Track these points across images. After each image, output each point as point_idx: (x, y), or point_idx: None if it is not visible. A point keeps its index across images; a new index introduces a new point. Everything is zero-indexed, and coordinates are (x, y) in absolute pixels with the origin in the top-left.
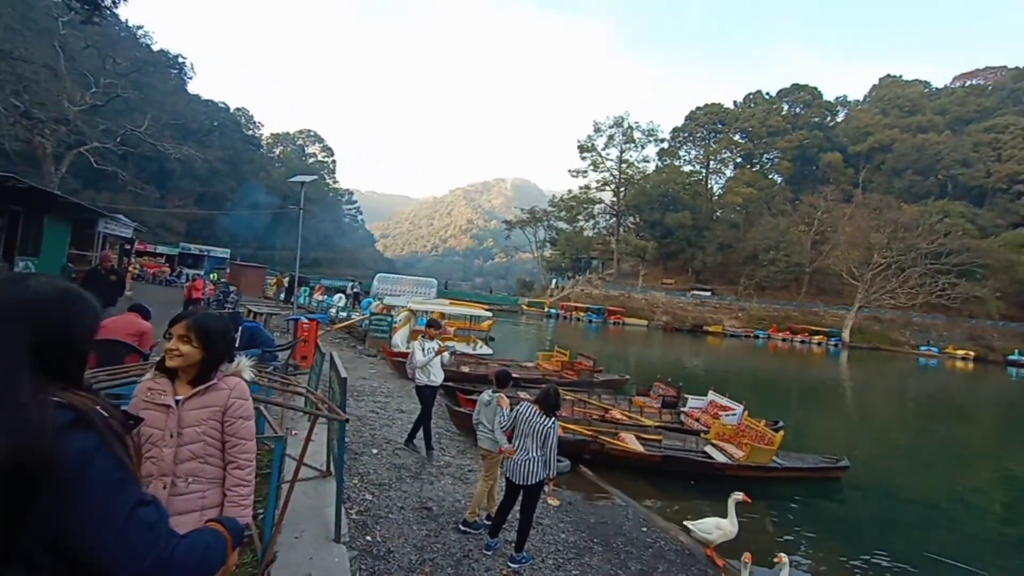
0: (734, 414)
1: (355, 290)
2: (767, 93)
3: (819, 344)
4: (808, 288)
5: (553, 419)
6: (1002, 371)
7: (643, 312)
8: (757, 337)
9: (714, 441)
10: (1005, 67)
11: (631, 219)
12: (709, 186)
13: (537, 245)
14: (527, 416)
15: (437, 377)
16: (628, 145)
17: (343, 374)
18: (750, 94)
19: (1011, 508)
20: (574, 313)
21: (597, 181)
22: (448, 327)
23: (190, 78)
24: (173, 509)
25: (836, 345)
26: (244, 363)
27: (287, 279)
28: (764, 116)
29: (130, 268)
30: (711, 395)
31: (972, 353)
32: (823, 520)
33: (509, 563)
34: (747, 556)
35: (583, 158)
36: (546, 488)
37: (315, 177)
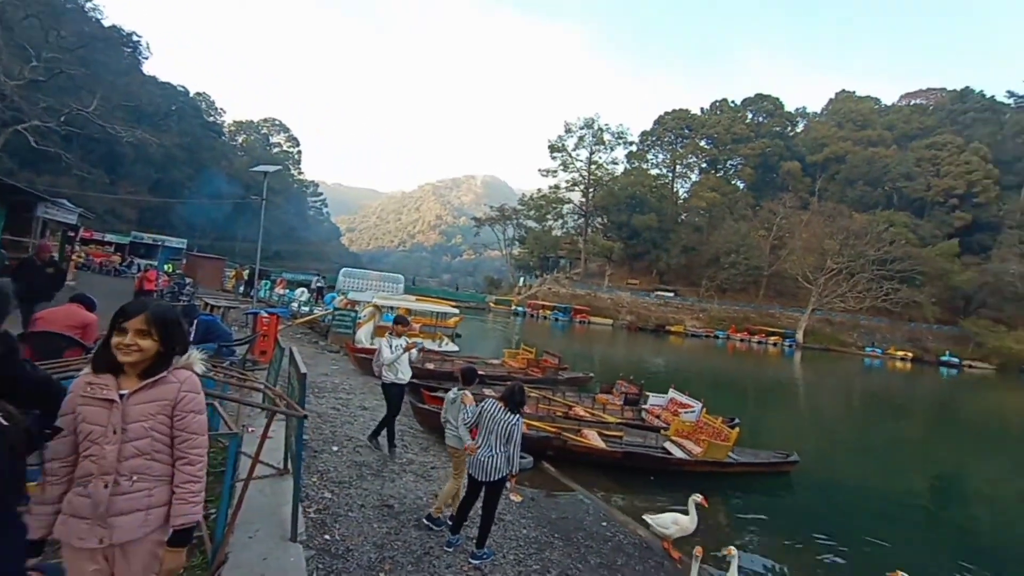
0: (693, 411)
1: (319, 284)
2: (732, 101)
3: (775, 345)
4: (766, 291)
5: (518, 416)
6: (935, 371)
7: (608, 311)
8: (717, 337)
9: (673, 437)
10: (944, 89)
11: (599, 220)
12: (675, 190)
13: (506, 243)
14: (492, 413)
15: (405, 375)
16: (598, 147)
17: (303, 369)
18: (716, 102)
19: (939, 493)
20: (541, 311)
21: (567, 181)
22: (413, 323)
23: (145, 58)
24: (116, 509)
25: (791, 346)
26: (195, 356)
27: (247, 272)
28: (729, 123)
29: (74, 257)
30: (672, 393)
31: (910, 354)
32: (774, 512)
33: (470, 559)
34: (698, 550)
35: (553, 158)
36: (509, 484)
37: (279, 167)
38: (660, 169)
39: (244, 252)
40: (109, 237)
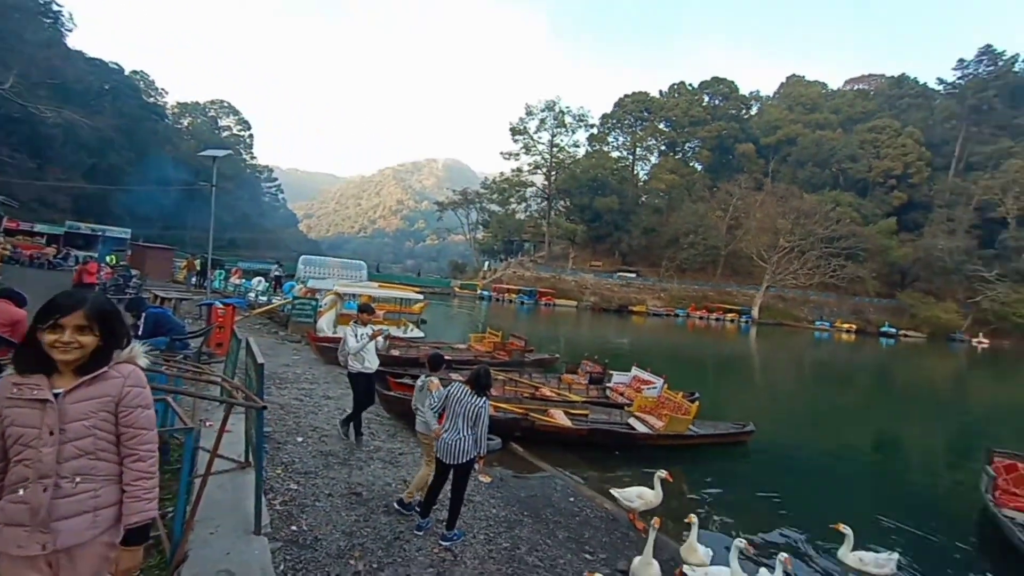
0: (655, 387)
1: (278, 273)
2: (690, 84)
3: (732, 321)
4: (723, 269)
5: (484, 398)
6: (876, 341)
7: (573, 293)
8: (677, 316)
9: (636, 413)
10: (884, 75)
11: (562, 203)
12: (635, 172)
13: (470, 227)
14: (458, 396)
15: (372, 363)
16: (559, 129)
17: (260, 360)
18: (675, 84)
19: (877, 452)
20: (506, 295)
21: (529, 164)
22: (377, 310)
23: (69, 30)
24: (59, 513)
25: (747, 322)
26: (138, 349)
27: (199, 261)
28: (687, 106)
29: None
30: (634, 371)
31: (854, 326)
32: (733, 479)
33: (440, 541)
34: (655, 521)
35: (515, 141)
36: (477, 466)
37: (229, 151)
38: (621, 152)
39: (196, 241)
40: (40, 227)
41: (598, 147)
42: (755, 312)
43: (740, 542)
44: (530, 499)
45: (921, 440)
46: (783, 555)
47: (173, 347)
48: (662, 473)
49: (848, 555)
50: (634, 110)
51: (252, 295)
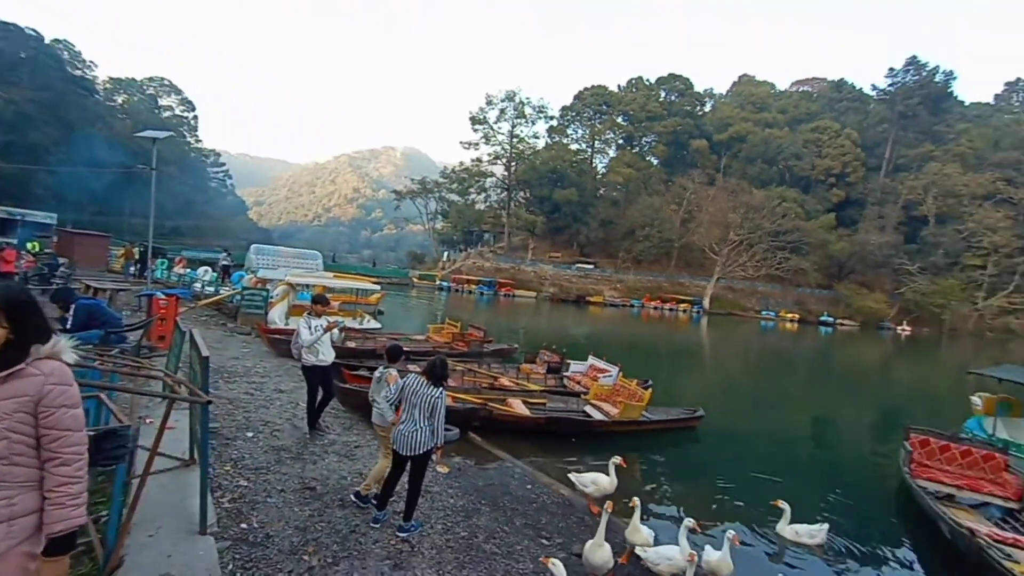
0: (610, 376)
1: (226, 262)
2: (647, 80)
3: (684, 311)
4: (677, 261)
5: (440, 389)
6: (815, 330)
7: (532, 284)
8: (633, 306)
9: (593, 401)
10: (826, 79)
11: (521, 194)
12: (594, 165)
13: (428, 217)
14: (414, 387)
15: (327, 356)
16: (519, 120)
17: (204, 352)
18: (632, 79)
19: (815, 433)
20: (466, 286)
21: (489, 154)
22: (332, 301)
23: None
24: None
25: (698, 312)
26: (63, 343)
27: (138, 250)
28: (644, 101)
29: None
30: (591, 360)
31: (797, 316)
32: (683, 462)
33: (398, 532)
34: (608, 505)
35: (475, 130)
36: (434, 456)
37: (170, 133)
38: (580, 144)
39: (135, 228)
40: None
41: (557, 139)
42: (706, 303)
43: (689, 521)
44: (488, 488)
45: (852, 420)
46: (730, 532)
47: (108, 340)
48: (616, 459)
49: (785, 528)
50: (593, 103)
51: (198, 285)
